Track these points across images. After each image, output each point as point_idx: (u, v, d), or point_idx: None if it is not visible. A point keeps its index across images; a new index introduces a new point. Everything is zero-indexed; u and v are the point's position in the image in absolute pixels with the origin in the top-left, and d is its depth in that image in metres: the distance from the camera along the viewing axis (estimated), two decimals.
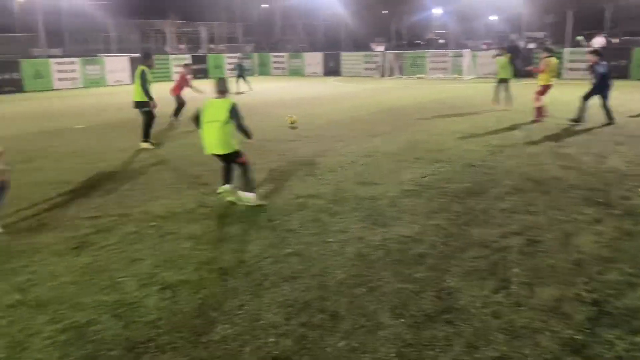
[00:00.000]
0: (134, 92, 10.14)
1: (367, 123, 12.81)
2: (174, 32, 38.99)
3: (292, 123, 12.53)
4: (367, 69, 30.73)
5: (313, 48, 38.28)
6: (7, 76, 24.09)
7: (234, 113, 6.17)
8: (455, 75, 26.47)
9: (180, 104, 13.32)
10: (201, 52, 37.13)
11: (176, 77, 15.70)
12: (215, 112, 6.21)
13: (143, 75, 9.89)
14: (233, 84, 20.71)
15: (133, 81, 10.69)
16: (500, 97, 14.69)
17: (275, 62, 35.25)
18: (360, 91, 21.92)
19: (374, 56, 31.16)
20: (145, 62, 10.25)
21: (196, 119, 6.39)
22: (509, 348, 3.38)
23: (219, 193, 6.59)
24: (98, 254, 5.01)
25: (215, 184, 6.91)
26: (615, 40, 32.57)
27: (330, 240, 5.24)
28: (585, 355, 3.29)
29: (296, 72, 34.12)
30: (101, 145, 10.66)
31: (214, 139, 6.20)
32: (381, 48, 32.12)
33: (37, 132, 12.51)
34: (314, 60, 33.65)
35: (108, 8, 35.33)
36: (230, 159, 6.43)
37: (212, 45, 39.53)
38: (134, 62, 28.89)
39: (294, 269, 4.61)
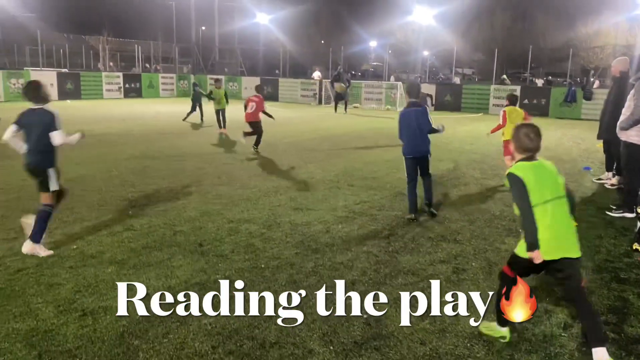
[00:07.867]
0: None
1: (302, 150, 12.90)
2: (107, 49, 37.94)
3: None
4: (303, 95, 31.10)
5: (250, 73, 38.39)
6: None
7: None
8: (388, 107, 27.03)
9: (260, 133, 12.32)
10: (135, 70, 36.29)
11: (253, 102, 12.44)
12: (553, 180, 3.63)
13: None
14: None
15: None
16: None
17: (212, 85, 35.03)
18: (296, 117, 22.12)
19: (311, 84, 31.63)
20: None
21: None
22: None
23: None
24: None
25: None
26: (539, 81, 35.17)
27: (262, 266, 5.19)
28: None
29: (233, 96, 34.01)
30: None
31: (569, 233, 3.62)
32: (318, 75, 32.53)
33: None
34: (251, 84, 33.74)
35: (40, 20, 33.98)
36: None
37: (147, 65, 38.77)
38: (60, 78, 27.54)
39: None
